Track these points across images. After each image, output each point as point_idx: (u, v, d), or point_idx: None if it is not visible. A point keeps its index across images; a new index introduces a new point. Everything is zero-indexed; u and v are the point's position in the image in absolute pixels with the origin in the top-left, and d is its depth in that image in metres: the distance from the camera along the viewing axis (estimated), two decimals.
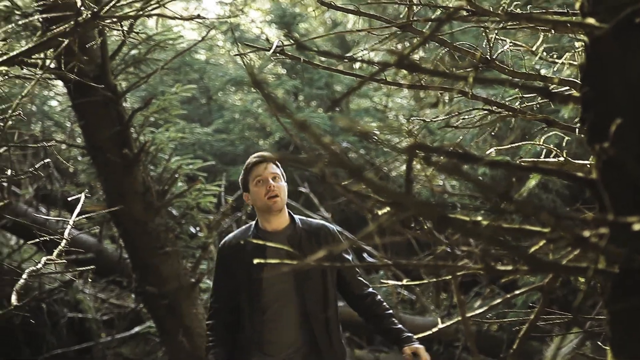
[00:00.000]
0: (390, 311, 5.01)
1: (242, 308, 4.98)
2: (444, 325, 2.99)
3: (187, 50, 9.38)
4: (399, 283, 3.07)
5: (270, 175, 4.99)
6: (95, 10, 2.86)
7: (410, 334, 4.88)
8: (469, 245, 2.51)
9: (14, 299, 3.09)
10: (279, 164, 5.10)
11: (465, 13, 3.21)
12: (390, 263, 2.24)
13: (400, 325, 4.96)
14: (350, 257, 5.15)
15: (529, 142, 4.08)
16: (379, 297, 5.04)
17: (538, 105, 4.01)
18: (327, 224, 5.18)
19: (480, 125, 3.60)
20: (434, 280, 2.85)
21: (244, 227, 5.21)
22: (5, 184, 7.46)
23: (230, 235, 5.19)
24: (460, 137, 3.62)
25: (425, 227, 2.35)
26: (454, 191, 9.91)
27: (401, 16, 5.27)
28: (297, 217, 5.11)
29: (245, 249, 4.97)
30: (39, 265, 3.45)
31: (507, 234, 2.41)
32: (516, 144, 4.32)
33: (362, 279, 5.10)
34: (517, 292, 3.05)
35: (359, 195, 2.20)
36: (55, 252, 3.60)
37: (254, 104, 11.98)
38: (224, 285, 5.07)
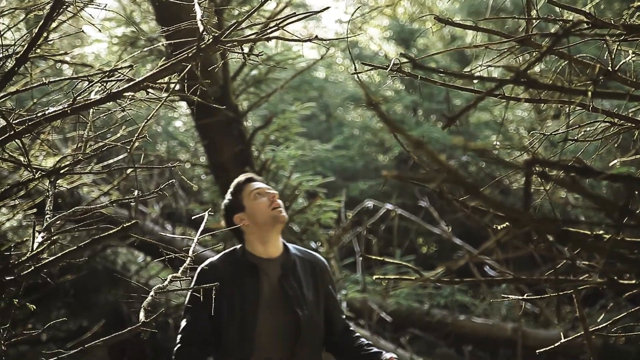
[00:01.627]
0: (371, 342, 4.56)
1: (227, 343, 4.29)
2: (567, 339, 2.96)
3: (307, 69, 9.52)
4: (521, 298, 3.06)
5: (267, 188, 4.55)
6: (216, 35, 2.94)
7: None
8: (590, 259, 2.49)
9: (142, 315, 3.20)
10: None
11: (585, 26, 3.18)
12: (512, 277, 2.24)
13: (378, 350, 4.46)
14: (337, 295, 4.69)
15: None
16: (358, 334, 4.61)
17: None
18: (318, 254, 4.70)
19: (602, 138, 3.55)
20: (556, 294, 2.82)
21: (223, 253, 4.57)
22: (133, 204, 7.68)
23: (213, 259, 4.50)
24: (582, 150, 3.57)
25: (546, 241, 2.34)
26: (577, 204, 9.74)
27: (520, 29, 5.23)
28: (289, 244, 4.59)
29: (235, 279, 4.37)
30: (166, 282, 3.55)
31: (630, 248, 2.38)
32: None
33: (344, 317, 4.68)
34: None
35: (476, 210, 2.21)
36: (181, 269, 3.70)
37: (372, 120, 12.03)
38: (204, 317, 4.25)
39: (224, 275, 4.32)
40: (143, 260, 9.46)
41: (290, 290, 4.39)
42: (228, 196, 4.60)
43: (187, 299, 4.37)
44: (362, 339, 4.54)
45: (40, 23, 2.47)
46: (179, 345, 4.30)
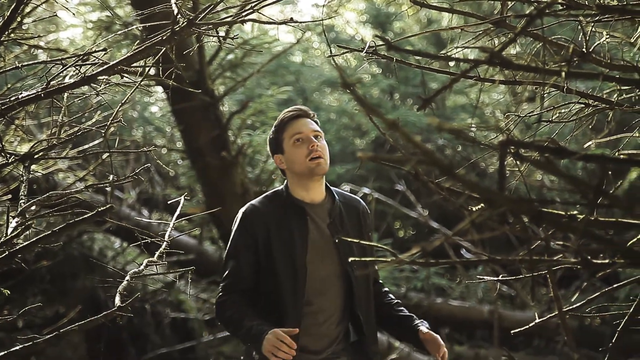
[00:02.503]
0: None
1: (278, 296, 4.06)
2: (542, 319, 2.98)
3: (283, 53, 9.50)
4: (496, 279, 3.07)
5: (311, 133, 4.15)
6: (191, 17, 2.92)
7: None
8: (565, 239, 2.50)
9: (117, 300, 3.20)
10: (318, 120, 4.30)
11: (559, 7, 3.19)
12: (487, 258, 2.25)
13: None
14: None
15: (627, 134, 4.02)
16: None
17: (638, 97, 3.94)
18: (359, 198, 4.45)
19: (577, 119, 3.57)
20: (531, 275, 2.84)
21: (265, 195, 4.29)
22: (108, 189, 7.64)
23: (255, 201, 4.22)
24: (557, 132, 3.58)
25: (521, 222, 2.34)
26: (552, 186, 9.79)
27: (495, 12, 5.24)
28: (332, 188, 4.30)
29: (282, 222, 4.12)
30: (142, 267, 3.55)
31: (604, 228, 2.40)
32: (614, 137, 4.25)
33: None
34: (616, 285, 3.02)
35: (452, 192, 2.22)
36: (157, 253, 3.70)
37: (349, 104, 12.03)
38: (248, 262, 4.10)
39: (269, 218, 4.12)
40: (120, 246, 9.44)
41: (340, 244, 4.10)
42: (272, 130, 4.26)
43: (229, 244, 4.16)
44: (391, 295, 4.37)
45: (13, 5, 2.44)
46: (220, 293, 4.10)
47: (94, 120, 5.04)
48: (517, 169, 3.15)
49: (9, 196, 5.83)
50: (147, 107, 11.45)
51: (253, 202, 4.21)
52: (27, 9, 3.57)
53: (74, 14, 3.13)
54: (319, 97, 13.12)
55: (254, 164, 7.90)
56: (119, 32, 6.90)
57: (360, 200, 4.40)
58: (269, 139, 4.26)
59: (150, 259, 3.60)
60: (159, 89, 8.26)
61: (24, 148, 5.65)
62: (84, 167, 8.35)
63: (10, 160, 2.70)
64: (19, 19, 3.25)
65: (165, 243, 3.74)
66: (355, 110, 11.66)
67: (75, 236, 8.19)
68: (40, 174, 5.40)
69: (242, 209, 4.18)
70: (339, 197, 4.27)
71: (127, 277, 3.42)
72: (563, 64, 2.63)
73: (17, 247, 2.51)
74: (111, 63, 2.89)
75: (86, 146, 6.13)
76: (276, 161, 4.23)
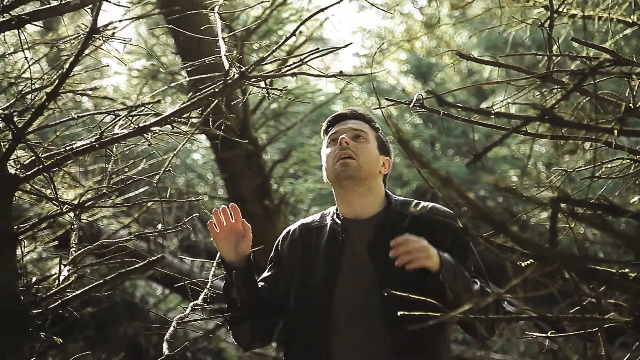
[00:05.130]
0: None
1: (296, 323, 3.46)
2: None
3: (325, 103, 9.56)
4: (544, 335, 3.04)
5: (347, 131, 3.46)
6: (242, 70, 2.97)
7: None
8: (615, 297, 2.48)
9: (165, 348, 3.20)
10: (373, 121, 3.60)
11: (607, 63, 3.19)
12: (536, 315, 2.24)
13: None
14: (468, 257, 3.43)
15: None
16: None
17: None
18: (439, 206, 3.50)
19: (625, 176, 3.55)
20: (580, 332, 2.81)
21: (322, 212, 3.66)
22: (152, 237, 7.70)
23: (306, 219, 3.66)
24: (604, 188, 3.57)
25: (570, 279, 2.34)
26: (595, 239, 9.70)
27: (540, 65, 5.24)
28: (398, 198, 3.56)
29: (318, 241, 3.48)
30: (187, 311, 3.56)
31: None
32: None
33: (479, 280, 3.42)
34: None
35: (503, 247, 2.21)
36: (201, 296, 3.72)
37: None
38: (277, 283, 3.55)
39: (302, 243, 3.52)
40: (161, 293, 9.48)
41: (381, 263, 3.34)
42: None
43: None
44: None
45: (72, 59, 2.50)
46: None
47: (140, 168, 5.09)
48: (566, 225, 3.13)
49: (56, 242, 5.91)
50: (189, 154, 11.54)
51: (302, 220, 3.68)
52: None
53: (122, 62, 3.18)
54: None
55: (296, 212, 7.93)
56: (169, 84, 6.99)
57: (438, 208, 3.48)
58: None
59: (196, 302, 3.62)
60: (202, 136, 8.34)
61: (70, 195, 5.72)
62: (128, 214, 8.42)
63: (64, 210, 2.74)
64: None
65: (207, 287, 3.76)
66: (397, 159, 11.68)
67: (119, 283, 8.24)
68: (86, 220, 5.46)
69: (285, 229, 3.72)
70: (401, 207, 3.49)
71: (174, 324, 3.43)
72: (613, 120, 2.63)
73: (70, 296, 2.54)
74: (164, 114, 2.94)
75: (132, 194, 6.20)
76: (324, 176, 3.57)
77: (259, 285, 3.54)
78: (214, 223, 3.47)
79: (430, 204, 3.50)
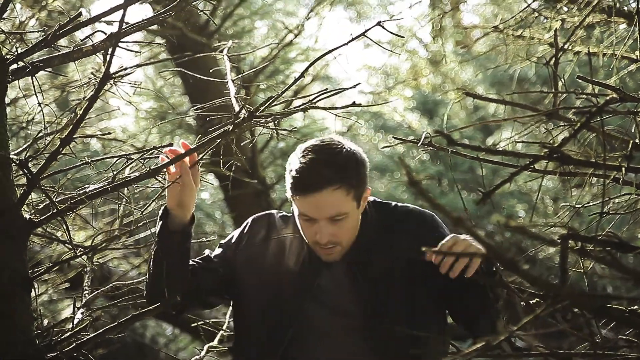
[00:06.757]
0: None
1: (246, 339, 3.27)
2: None
3: None
4: None
5: (321, 218, 3.07)
6: (251, 110, 3.00)
7: None
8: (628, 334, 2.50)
9: None
10: (343, 170, 3.17)
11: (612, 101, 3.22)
12: (548, 352, 2.26)
13: None
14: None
15: None
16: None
17: None
18: (423, 211, 3.33)
19: (633, 211, 3.57)
20: None
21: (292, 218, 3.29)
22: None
23: (277, 216, 3.36)
24: (613, 223, 3.59)
25: (582, 316, 2.35)
26: (603, 274, 9.70)
27: (546, 102, 5.27)
28: (389, 204, 3.35)
29: (287, 247, 3.25)
30: (202, 353, 3.58)
31: None
32: None
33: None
34: None
35: (514, 286, 2.23)
36: (217, 338, 3.74)
37: (397, 189, 12.07)
38: (215, 271, 3.29)
39: (275, 250, 3.27)
40: (171, 333, 9.47)
41: (362, 289, 3.14)
42: (286, 175, 3.20)
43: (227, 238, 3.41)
44: None
45: (85, 104, 2.54)
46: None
47: (150, 208, 5.12)
48: (576, 262, 3.15)
49: (67, 285, 5.93)
50: (198, 194, 11.57)
51: (277, 216, 3.39)
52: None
53: (131, 104, 3.22)
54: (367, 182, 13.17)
55: None
56: (177, 124, 7.03)
57: (422, 212, 3.32)
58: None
59: (211, 344, 3.63)
60: (210, 175, 8.39)
61: (81, 236, 5.76)
62: (137, 254, 8.44)
63: (78, 253, 2.77)
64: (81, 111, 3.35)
65: (223, 330, 3.77)
66: (404, 196, 11.70)
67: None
68: (97, 262, 5.49)
69: (258, 214, 3.45)
70: (388, 219, 3.26)
71: None
72: (620, 157, 2.66)
73: (84, 339, 2.56)
74: (175, 156, 2.97)
75: (142, 235, 6.21)
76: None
77: (204, 256, 3.35)
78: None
79: (410, 207, 3.34)
